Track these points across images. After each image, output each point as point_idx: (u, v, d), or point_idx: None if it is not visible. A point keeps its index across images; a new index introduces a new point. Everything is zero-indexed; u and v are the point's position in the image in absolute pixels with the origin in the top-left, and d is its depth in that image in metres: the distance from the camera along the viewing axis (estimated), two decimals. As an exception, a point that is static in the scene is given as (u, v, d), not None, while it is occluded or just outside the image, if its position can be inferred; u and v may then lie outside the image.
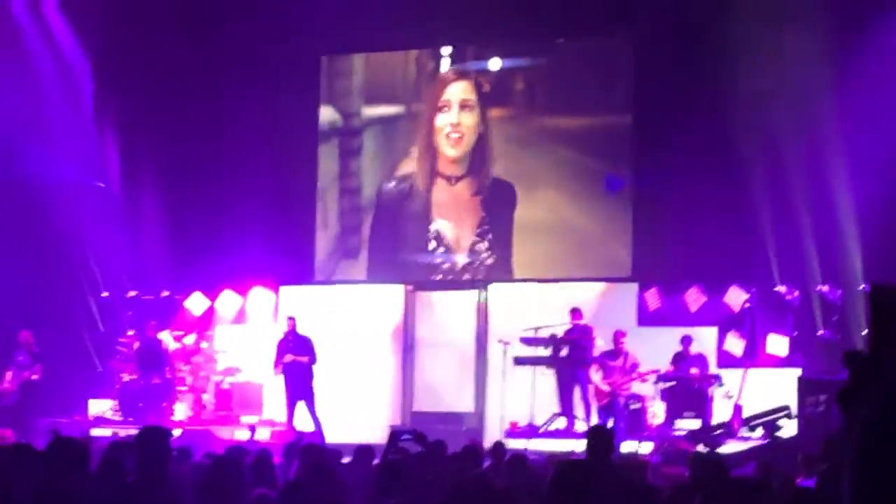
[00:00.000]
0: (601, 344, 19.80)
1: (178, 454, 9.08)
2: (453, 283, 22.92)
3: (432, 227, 22.92)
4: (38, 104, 22.94)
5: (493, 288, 22.60)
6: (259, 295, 23.59)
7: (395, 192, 23.21)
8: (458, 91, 22.94)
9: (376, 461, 11.01)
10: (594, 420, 19.01)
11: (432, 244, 22.95)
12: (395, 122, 23.59)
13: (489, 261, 22.62)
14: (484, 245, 22.62)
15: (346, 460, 11.58)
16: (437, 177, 22.97)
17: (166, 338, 22.15)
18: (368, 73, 23.75)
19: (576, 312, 20.39)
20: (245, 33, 23.19)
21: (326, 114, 23.81)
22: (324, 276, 23.75)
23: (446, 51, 23.15)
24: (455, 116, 22.83)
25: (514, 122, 22.80)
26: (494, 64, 22.87)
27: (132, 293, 23.80)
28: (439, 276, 22.93)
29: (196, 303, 23.59)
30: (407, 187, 23.12)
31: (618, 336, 19.50)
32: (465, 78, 22.96)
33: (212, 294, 23.59)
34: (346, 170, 23.69)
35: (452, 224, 22.83)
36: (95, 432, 19.14)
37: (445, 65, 23.17)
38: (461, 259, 22.77)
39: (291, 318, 20.60)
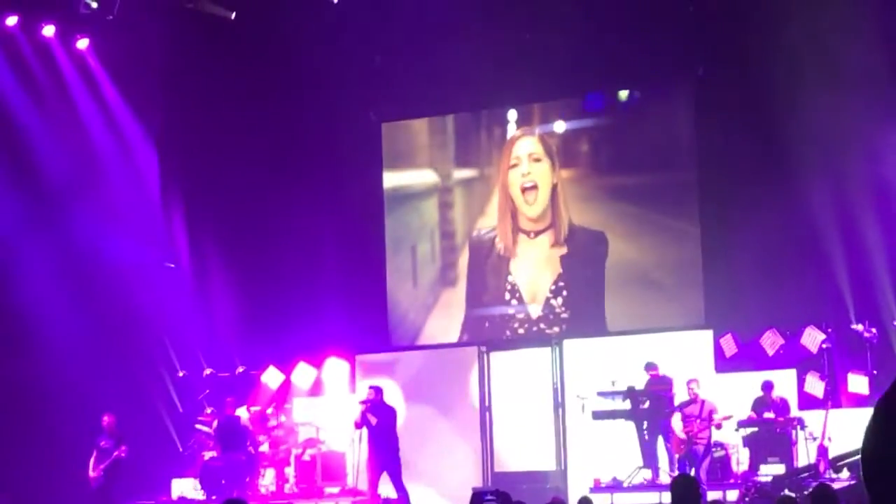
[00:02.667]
0: (678, 393, 19.69)
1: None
2: (527, 339, 22.90)
3: (510, 279, 22.98)
4: (106, 189, 23.24)
5: (567, 343, 22.54)
6: (334, 365, 23.65)
7: (484, 239, 23.40)
8: (527, 146, 23.13)
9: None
10: (677, 471, 18.87)
11: (507, 296, 22.98)
12: (471, 183, 23.82)
13: (564, 315, 22.59)
14: (558, 301, 22.61)
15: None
16: (518, 233, 23.11)
17: (244, 414, 22.21)
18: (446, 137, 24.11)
19: (651, 367, 20.33)
20: (306, 102, 23.42)
21: (420, 175, 24.07)
22: (402, 335, 23.80)
23: (512, 115, 23.36)
24: (527, 168, 23.00)
25: (579, 182, 22.91)
26: (559, 126, 23.03)
27: (208, 371, 23.93)
28: (516, 325, 22.90)
29: (272, 377, 23.67)
30: (491, 240, 23.25)
31: (689, 384, 19.41)
32: (532, 135, 23.15)
33: (287, 367, 23.67)
34: (444, 218, 23.91)
35: (529, 279, 22.89)
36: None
37: (511, 129, 23.36)
38: (534, 310, 22.77)
39: (374, 388, 20.56)
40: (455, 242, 23.73)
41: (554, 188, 22.88)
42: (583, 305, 22.52)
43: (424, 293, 23.83)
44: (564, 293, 22.62)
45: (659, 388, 20.02)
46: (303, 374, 23.72)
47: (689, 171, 22.00)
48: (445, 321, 23.58)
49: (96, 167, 23.27)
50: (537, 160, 23.03)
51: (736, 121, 20.97)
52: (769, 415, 19.35)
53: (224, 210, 24.09)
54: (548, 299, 22.72)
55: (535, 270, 22.94)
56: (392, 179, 24.21)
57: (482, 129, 23.89)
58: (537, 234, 23.00)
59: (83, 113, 23.23)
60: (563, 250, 22.71)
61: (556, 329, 22.68)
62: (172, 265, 24.10)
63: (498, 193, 23.36)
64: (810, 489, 16.52)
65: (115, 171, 23.57)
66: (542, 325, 22.80)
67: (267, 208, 23.73)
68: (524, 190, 23.03)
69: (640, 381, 20.36)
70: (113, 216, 23.03)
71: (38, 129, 22.53)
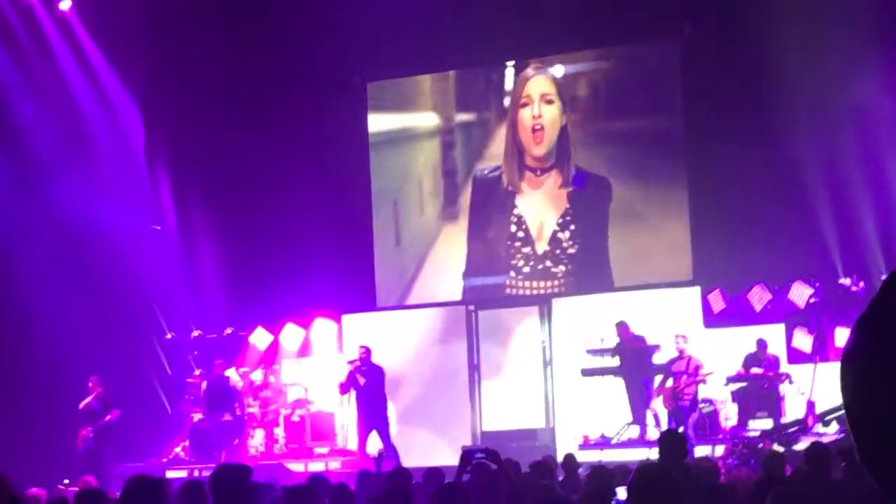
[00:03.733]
0: (664, 349, 19.72)
1: (261, 489, 9.08)
2: (514, 299, 22.91)
3: (515, 212, 22.98)
4: (91, 153, 23.17)
5: (556, 301, 22.55)
6: (322, 326, 23.65)
7: (488, 177, 23.39)
8: (540, 86, 23.09)
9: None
10: (665, 426, 18.90)
11: (513, 227, 22.98)
12: (471, 127, 23.85)
13: (571, 250, 22.61)
14: (566, 235, 22.61)
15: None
16: (524, 170, 23.09)
17: (233, 375, 22.21)
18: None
19: (622, 325, 20.42)
20: (292, 62, 23.34)
21: (421, 118, 24.07)
22: (388, 295, 23.80)
23: (509, 63, 23.37)
24: (537, 109, 22.99)
25: (579, 126, 22.91)
26: (557, 70, 23.08)
27: (196, 333, 23.93)
28: (521, 263, 22.89)
29: (260, 338, 23.67)
30: (495, 177, 23.25)
31: (676, 339, 19.40)
32: (545, 74, 23.13)
33: (275, 328, 23.68)
34: (446, 158, 23.90)
35: (535, 213, 22.89)
36: (170, 474, 19.17)
37: (509, 76, 23.36)
38: (540, 247, 22.78)
39: (364, 347, 20.62)
40: (455, 181, 23.72)
41: (563, 129, 22.84)
42: (590, 241, 22.52)
43: (417, 244, 23.80)
44: (572, 227, 22.61)
45: (637, 344, 20.06)
46: (291, 334, 23.72)
47: (676, 120, 22.05)
48: (438, 277, 23.56)
49: (81, 130, 23.18)
50: (549, 101, 22.99)
51: (725, 70, 20.99)
52: (757, 370, 19.39)
53: (210, 172, 24.05)
54: (555, 233, 22.71)
55: (541, 206, 22.94)
56: (376, 125, 24.25)
57: (480, 79, 23.85)
58: (543, 171, 22.98)
59: (67, 75, 23.13)
60: (570, 189, 22.72)
61: (562, 268, 22.65)
62: (158, 228, 24.04)
63: (506, 130, 23.29)
64: (800, 445, 16.61)
65: (100, 134, 23.48)
66: (547, 263, 22.76)
67: (253, 169, 23.65)
68: (533, 130, 23.01)
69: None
70: (98, 179, 22.95)
71: (22, 92, 22.42)
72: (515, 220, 23.03)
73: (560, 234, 22.72)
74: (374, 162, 24.10)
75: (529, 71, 23.29)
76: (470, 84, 23.98)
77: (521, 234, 22.98)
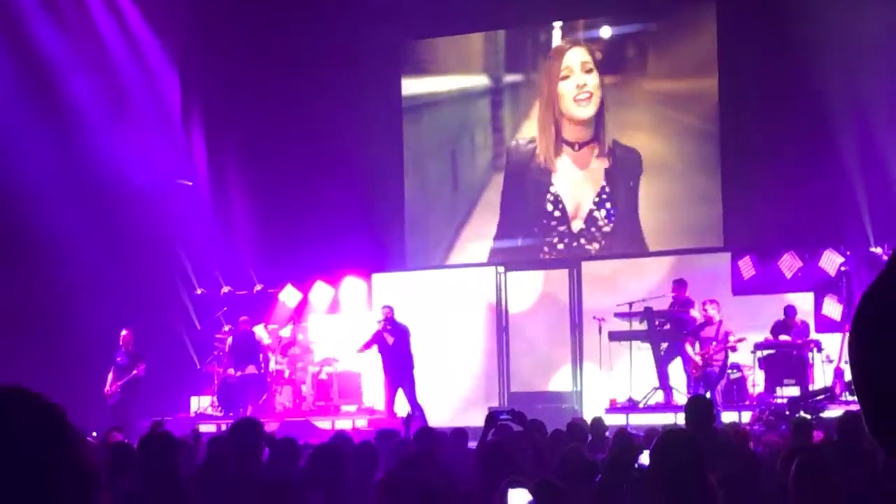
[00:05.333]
0: (696, 315, 19.64)
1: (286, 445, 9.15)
2: (545, 261, 22.90)
3: (552, 190, 22.91)
4: (125, 108, 23.24)
5: (585, 265, 22.53)
6: (351, 284, 23.71)
7: (522, 151, 23.27)
8: (578, 56, 22.95)
9: (472, 443, 11.04)
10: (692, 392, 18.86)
11: (549, 206, 22.92)
12: (516, 90, 23.67)
13: (606, 228, 22.57)
14: (601, 213, 22.56)
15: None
16: (561, 144, 22.96)
17: (261, 331, 22.30)
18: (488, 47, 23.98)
19: (680, 284, 20.20)
20: (329, 19, 23.30)
21: (474, 80, 23.92)
22: (421, 254, 23.80)
23: (557, 24, 23.19)
24: (581, 79, 22.83)
25: (620, 87, 22.74)
26: (605, 32, 22.90)
27: (226, 289, 24.02)
28: (555, 240, 22.86)
29: (289, 295, 23.75)
30: (530, 151, 23.16)
31: (704, 305, 19.25)
32: (581, 45, 22.99)
33: (304, 286, 23.74)
34: (494, 116, 23.74)
35: (572, 192, 22.82)
36: (201, 429, 19.27)
37: (557, 38, 23.21)
38: (576, 225, 22.74)
39: (387, 307, 20.66)
40: (503, 137, 23.60)
41: (602, 100, 22.75)
42: (623, 213, 22.48)
43: (451, 209, 23.78)
44: (608, 205, 22.55)
45: (679, 310, 19.96)
46: (320, 292, 23.79)
47: (711, 80, 21.89)
48: (471, 242, 23.54)
49: (117, 87, 23.23)
50: (589, 71, 22.85)
51: (761, 34, 20.92)
52: (785, 337, 19.34)
53: (243, 129, 24.10)
54: (591, 212, 22.66)
55: (578, 184, 22.84)
56: (412, 88, 24.15)
57: (528, 40, 23.68)
58: (581, 146, 22.85)
59: (104, 34, 23.15)
60: (606, 163, 22.62)
61: (596, 245, 22.62)
62: (190, 183, 24.10)
63: (538, 106, 23.17)
64: (828, 413, 16.58)
65: (136, 90, 23.54)
66: (581, 241, 22.74)
67: (286, 127, 23.68)
68: (578, 101, 22.86)
69: (656, 304, 20.30)
70: (134, 135, 23.02)
71: (59, 48, 22.44)
72: (552, 198, 22.90)
73: (596, 213, 22.62)
74: (426, 120, 23.99)
75: (565, 43, 23.09)
76: (517, 44, 23.70)
77: (557, 213, 22.89)
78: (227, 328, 22.89)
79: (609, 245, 22.56)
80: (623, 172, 22.51)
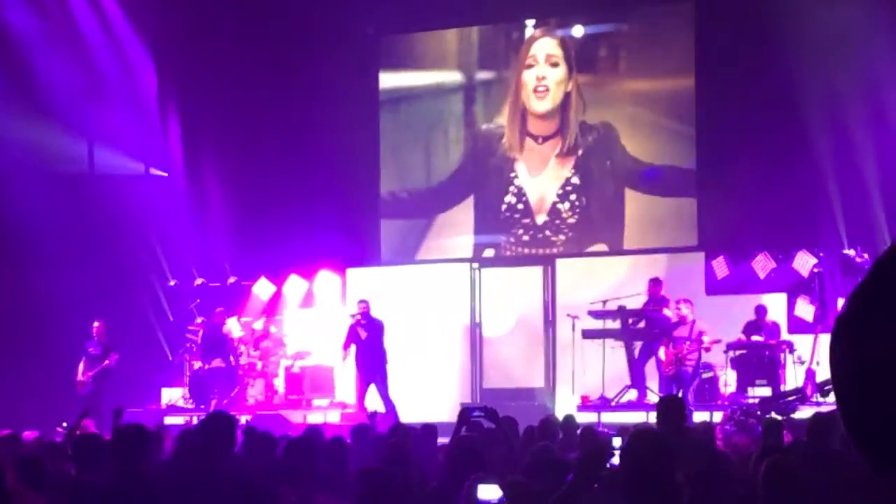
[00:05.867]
0: (669, 314, 19.65)
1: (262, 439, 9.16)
2: (518, 259, 22.92)
3: (516, 182, 22.95)
4: (101, 97, 23.15)
5: (560, 262, 22.55)
6: (326, 278, 23.67)
7: (490, 139, 23.36)
8: (545, 47, 22.96)
9: (441, 440, 11.04)
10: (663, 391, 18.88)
11: (512, 199, 22.94)
12: (489, 86, 23.73)
13: (571, 220, 22.59)
14: (565, 206, 22.58)
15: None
16: (525, 137, 22.96)
17: (234, 324, 22.24)
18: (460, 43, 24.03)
19: (657, 282, 20.15)
20: (304, 11, 23.24)
21: (449, 75, 23.96)
22: (395, 250, 23.79)
23: (530, 22, 23.24)
24: (541, 71, 22.85)
25: (597, 87, 22.76)
26: (577, 31, 22.93)
27: (199, 280, 23.95)
28: (520, 231, 22.89)
29: (263, 288, 23.70)
30: (498, 135, 23.18)
31: (677, 304, 19.27)
32: (552, 36, 23.01)
33: (278, 279, 23.70)
34: (467, 112, 23.83)
35: (535, 185, 22.84)
36: (169, 420, 19.24)
37: (529, 32, 23.28)
38: (541, 219, 22.76)
39: (363, 302, 20.63)
40: (461, 148, 23.71)
41: (567, 95, 22.73)
42: (593, 203, 22.51)
43: (426, 204, 23.78)
44: (572, 197, 22.56)
45: (653, 308, 19.95)
46: (294, 286, 23.74)
47: (687, 80, 21.94)
48: (446, 238, 23.53)
49: (93, 75, 23.14)
50: (554, 64, 22.87)
51: (737, 34, 20.96)
52: (757, 338, 19.38)
53: (220, 120, 24.03)
54: (554, 204, 22.68)
55: (541, 178, 22.88)
56: (389, 82, 24.15)
57: (501, 37, 23.73)
58: (545, 140, 22.88)
59: (80, 20, 23.05)
60: (572, 160, 22.64)
61: (562, 237, 22.64)
62: (165, 174, 24.03)
63: (510, 93, 23.20)
64: (798, 414, 16.62)
65: (112, 79, 23.45)
66: (547, 233, 22.77)
67: (263, 119, 23.63)
68: (535, 91, 22.90)
69: (630, 302, 20.29)
70: (109, 125, 22.94)
71: (36, 35, 22.35)
72: (515, 191, 22.95)
73: (560, 206, 22.66)
74: (402, 114, 24.01)
75: (536, 32, 23.16)
76: (491, 41, 23.76)
77: (520, 206, 22.93)
78: (199, 320, 22.81)
79: (577, 237, 22.59)
80: (599, 153, 22.53)
